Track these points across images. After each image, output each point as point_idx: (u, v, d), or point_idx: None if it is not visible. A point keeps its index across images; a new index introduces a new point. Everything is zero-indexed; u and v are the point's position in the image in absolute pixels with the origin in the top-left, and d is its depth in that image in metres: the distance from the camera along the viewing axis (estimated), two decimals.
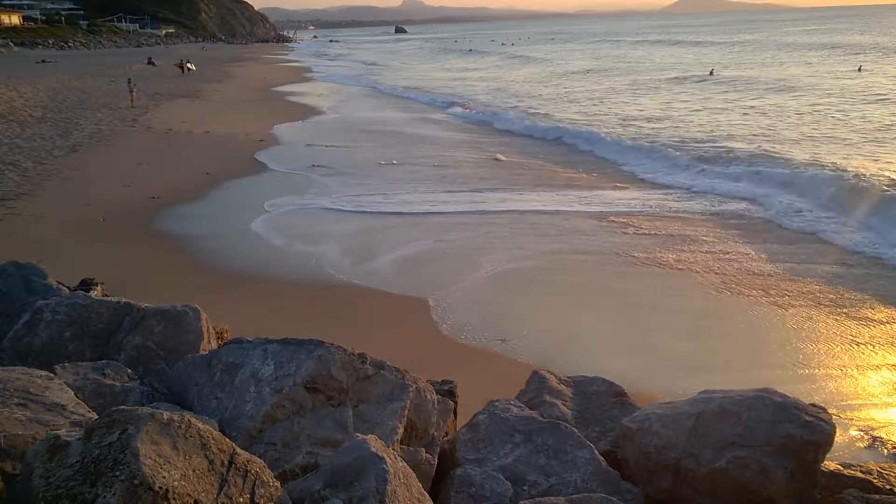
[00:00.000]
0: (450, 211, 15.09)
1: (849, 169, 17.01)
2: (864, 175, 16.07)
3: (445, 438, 4.77)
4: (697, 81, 43.18)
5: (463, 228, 13.77)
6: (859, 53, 58.32)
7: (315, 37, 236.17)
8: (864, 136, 22.92)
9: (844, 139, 22.44)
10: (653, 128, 26.25)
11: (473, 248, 12.44)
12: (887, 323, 9.23)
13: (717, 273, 11.11)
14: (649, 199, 16.18)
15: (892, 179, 15.74)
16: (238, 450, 3.13)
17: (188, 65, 60.71)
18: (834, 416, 4.47)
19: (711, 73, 46.21)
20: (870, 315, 9.47)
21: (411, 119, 32.09)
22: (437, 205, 15.62)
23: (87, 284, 7.60)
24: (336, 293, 10.41)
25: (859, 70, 45.68)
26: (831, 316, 9.45)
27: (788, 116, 27.73)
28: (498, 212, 15.03)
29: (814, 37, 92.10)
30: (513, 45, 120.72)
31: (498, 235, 13.30)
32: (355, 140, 25.01)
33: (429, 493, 3.83)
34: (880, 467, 4.57)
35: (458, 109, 34.50)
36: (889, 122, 25.10)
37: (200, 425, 3.03)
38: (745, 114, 29.08)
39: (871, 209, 13.86)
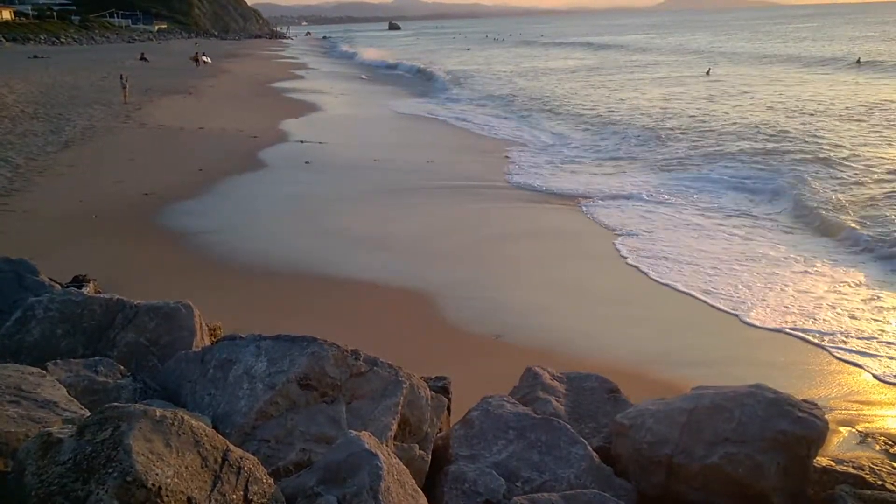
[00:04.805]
0: (442, 206, 15.12)
1: None
2: None
3: (439, 435, 4.77)
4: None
5: (456, 224, 13.78)
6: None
7: (308, 33, 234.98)
8: None
9: None
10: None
11: (464, 245, 12.45)
12: (880, 319, 9.29)
13: (694, 263, 11.17)
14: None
15: None
16: (231, 447, 3.12)
17: (204, 58, 61.08)
18: (826, 412, 4.49)
19: (708, 72, 46.34)
20: (863, 309, 9.53)
21: (409, 117, 32.06)
22: (435, 200, 15.63)
23: (79, 281, 7.57)
24: (330, 288, 10.39)
25: (859, 62, 46.22)
26: (824, 313, 9.50)
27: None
28: (484, 208, 15.05)
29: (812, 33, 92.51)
30: (504, 40, 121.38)
31: (487, 231, 13.32)
32: (351, 137, 24.95)
33: (422, 489, 3.84)
34: (872, 463, 4.60)
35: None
36: None
37: (193, 422, 3.02)
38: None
39: None
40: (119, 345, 5.11)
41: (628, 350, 8.45)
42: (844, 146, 20.55)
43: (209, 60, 62.21)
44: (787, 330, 8.97)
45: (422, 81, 50.56)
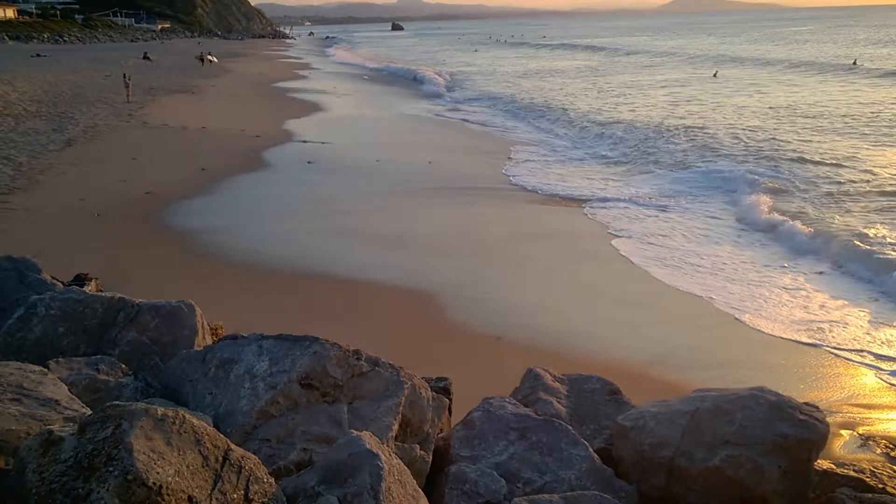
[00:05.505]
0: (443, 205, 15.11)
1: None
2: None
3: (440, 435, 4.77)
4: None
5: (457, 224, 13.78)
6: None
7: (311, 34, 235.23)
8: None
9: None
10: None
11: (466, 245, 12.45)
12: (881, 323, 9.27)
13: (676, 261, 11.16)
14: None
15: None
16: (232, 446, 3.12)
17: (209, 57, 61.38)
18: (827, 415, 4.48)
19: (715, 74, 46.31)
20: (864, 313, 9.52)
21: (411, 118, 32.06)
22: (435, 200, 15.63)
23: (81, 279, 7.58)
24: (331, 288, 10.39)
25: (854, 64, 46.43)
26: (825, 317, 9.49)
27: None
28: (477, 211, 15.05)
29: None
30: (506, 41, 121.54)
31: (489, 232, 13.31)
32: (354, 138, 24.95)
33: (423, 489, 3.84)
34: (873, 466, 4.59)
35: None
36: None
37: (195, 421, 3.02)
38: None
39: None
40: (121, 343, 5.11)
41: (630, 352, 8.45)
42: (845, 150, 20.56)
43: (215, 60, 62.52)
44: (789, 333, 8.96)
45: (423, 82, 50.48)
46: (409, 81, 52.09)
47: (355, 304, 9.85)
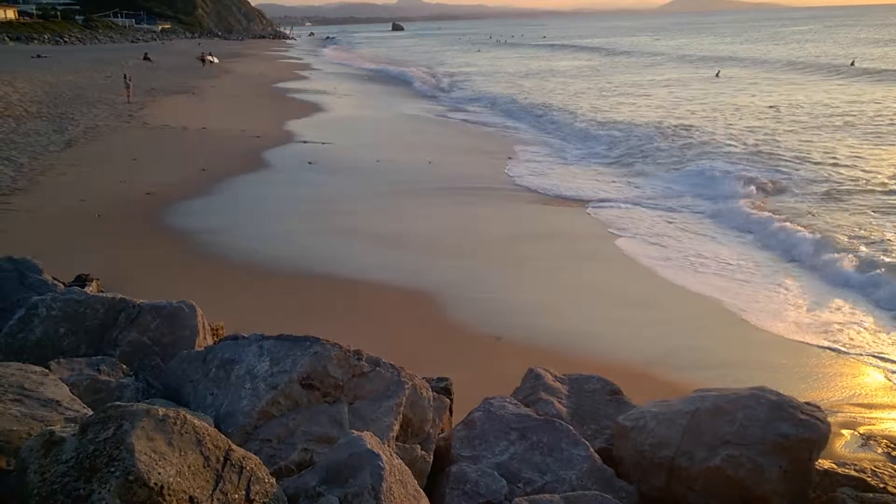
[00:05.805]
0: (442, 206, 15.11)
1: None
2: None
3: (441, 436, 4.77)
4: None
5: (459, 224, 13.78)
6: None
7: (312, 34, 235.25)
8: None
9: None
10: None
11: (467, 245, 12.45)
12: (882, 323, 9.27)
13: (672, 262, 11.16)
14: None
15: None
16: (233, 446, 3.12)
17: (210, 58, 61.58)
18: (828, 415, 4.48)
19: (717, 74, 46.30)
20: (865, 313, 9.52)
21: (412, 118, 32.05)
22: (435, 201, 15.63)
23: (81, 280, 7.59)
24: (332, 288, 10.39)
25: (852, 65, 46.44)
26: (827, 317, 9.49)
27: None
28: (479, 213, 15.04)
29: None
30: (507, 41, 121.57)
31: (490, 232, 13.31)
32: (354, 138, 24.94)
33: (424, 489, 3.84)
34: (874, 465, 4.59)
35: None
36: None
37: (196, 421, 3.02)
38: None
39: None
40: (122, 344, 5.11)
41: (631, 351, 8.45)
42: (845, 149, 20.58)
43: (216, 60, 62.63)
44: (790, 333, 8.96)
45: (423, 83, 50.49)
46: (412, 82, 52.15)
47: (355, 304, 9.85)
